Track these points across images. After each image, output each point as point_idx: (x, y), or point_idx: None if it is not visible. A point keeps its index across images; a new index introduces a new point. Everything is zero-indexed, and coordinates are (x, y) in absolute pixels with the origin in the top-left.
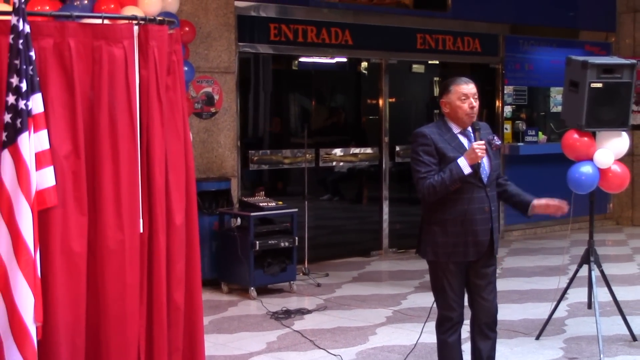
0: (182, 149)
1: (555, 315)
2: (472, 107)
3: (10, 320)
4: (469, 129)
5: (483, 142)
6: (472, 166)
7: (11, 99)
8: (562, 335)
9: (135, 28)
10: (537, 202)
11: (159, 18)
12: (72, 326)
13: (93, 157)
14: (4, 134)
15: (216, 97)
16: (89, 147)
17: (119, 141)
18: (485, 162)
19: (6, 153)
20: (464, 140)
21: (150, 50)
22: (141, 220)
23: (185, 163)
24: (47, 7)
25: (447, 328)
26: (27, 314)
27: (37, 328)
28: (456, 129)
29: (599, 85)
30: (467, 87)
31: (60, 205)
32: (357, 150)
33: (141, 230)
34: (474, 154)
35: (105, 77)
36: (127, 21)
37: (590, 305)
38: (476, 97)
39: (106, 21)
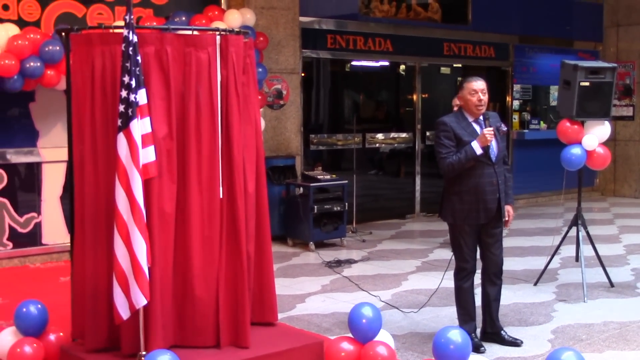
0: (253, 133)
1: (549, 267)
2: (480, 100)
3: (132, 263)
4: (481, 118)
5: (492, 128)
6: (483, 148)
7: (124, 93)
8: (555, 282)
9: (218, 37)
10: (507, 208)
11: (236, 29)
12: (162, 269)
13: (183, 139)
14: (119, 121)
15: (284, 92)
16: (179, 131)
17: (203, 126)
18: (493, 144)
19: (121, 135)
20: (476, 127)
21: (229, 54)
22: (220, 188)
23: (256, 143)
24: (154, 23)
25: (462, 276)
26: (142, 258)
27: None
28: (470, 118)
29: (587, 83)
30: (476, 84)
31: (157, 175)
32: (395, 135)
33: (220, 196)
34: (484, 138)
35: (194, 76)
36: (211, 32)
37: (577, 258)
38: (484, 92)
39: (195, 32)
